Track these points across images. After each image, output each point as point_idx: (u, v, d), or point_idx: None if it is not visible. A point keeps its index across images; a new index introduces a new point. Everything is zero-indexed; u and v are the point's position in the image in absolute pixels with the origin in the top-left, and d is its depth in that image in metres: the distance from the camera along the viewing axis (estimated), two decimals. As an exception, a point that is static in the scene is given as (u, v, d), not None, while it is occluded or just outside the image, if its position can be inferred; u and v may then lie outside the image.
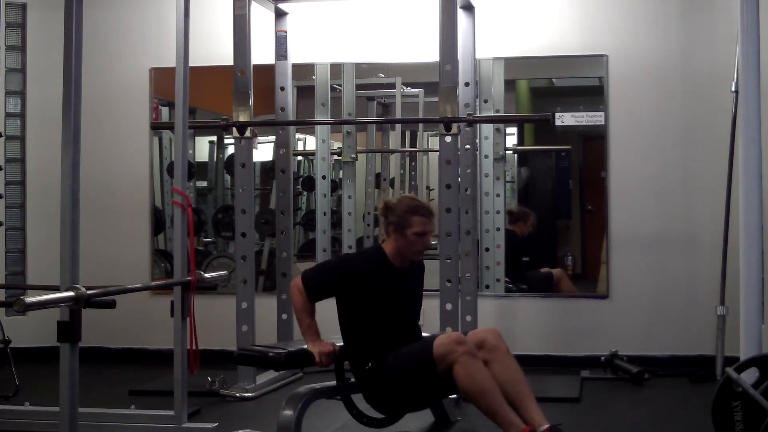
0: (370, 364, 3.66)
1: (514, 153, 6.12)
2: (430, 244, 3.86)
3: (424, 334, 3.87)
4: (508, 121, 6.08)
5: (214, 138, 6.66)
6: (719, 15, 5.45)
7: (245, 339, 4.83)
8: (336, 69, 6.04)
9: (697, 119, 5.53)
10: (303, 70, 5.93)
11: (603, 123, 5.65)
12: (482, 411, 3.49)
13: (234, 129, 4.94)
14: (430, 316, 4.10)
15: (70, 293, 2.87)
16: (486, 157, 5.84)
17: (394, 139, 6.47)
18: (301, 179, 6.38)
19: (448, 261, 4.54)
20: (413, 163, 6.55)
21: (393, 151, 6.47)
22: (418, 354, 3.56)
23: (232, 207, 5.32)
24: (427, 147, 6.50)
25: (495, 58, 5.78)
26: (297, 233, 6.23)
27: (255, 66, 5.05)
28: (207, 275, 3.98)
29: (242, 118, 4.95)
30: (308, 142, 6.50)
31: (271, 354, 3.75)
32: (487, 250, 5.80)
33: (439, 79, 4.57)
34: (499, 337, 3.63)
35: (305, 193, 6.44)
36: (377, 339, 3.70)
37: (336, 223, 6.14)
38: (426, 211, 3.78)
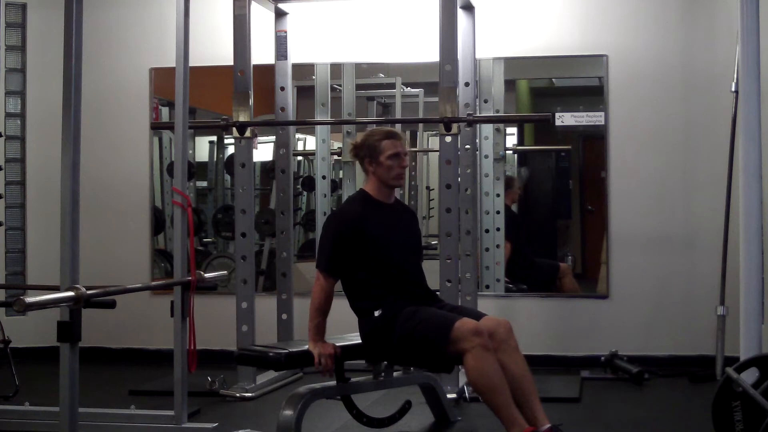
0: (380, 311, 3.68)
1: (514, 153, 6.12)
2: (407, 165, 3.89)
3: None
4: (508, 121, 6.08)
5: (214, 138, 6.66)
6: (719, 15, 5.45)
7: (245, 339, 4.83)
8: (336, 69, 6.04)
9: (697, 119, 5.52)
10: (303, 70, 5.93)
11: (603, 123, 5.65)
12: (487, 405, 3.49)
13: (234, 129, 4.94)
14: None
15: (70, 293, 2.87)
16: (486, 157, 5.84)
17: (394, 139, 6.46)
18: (301, 179, 6.38)
19: (448, 261, 4.54)
20: (413, 163, 6.54)
21: (393, 151, 6.46)
22: (436, 328, 3.56)
23: (232, 207, 5.33)
24: (427, 147, 6.50)
25: (495, 58, 5.78)
26: (297, 233, 6.22)
27: (255, 66, 5.05)
28: (207, 275, 3.98)
29: (242, 118, 4.95)
30: (308, 142, 6.50)
31: (271, 354, 3.75)
32: (487, 250, 5.80)
33: (439, 79, 4.57)
34: (509, 331, 3.63)
35: (305, 193, 6.44)
36: (385, 283, 3.73)
37: (336, 223, 6.13)
38: (393, 134, 3.85)
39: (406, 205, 4.07)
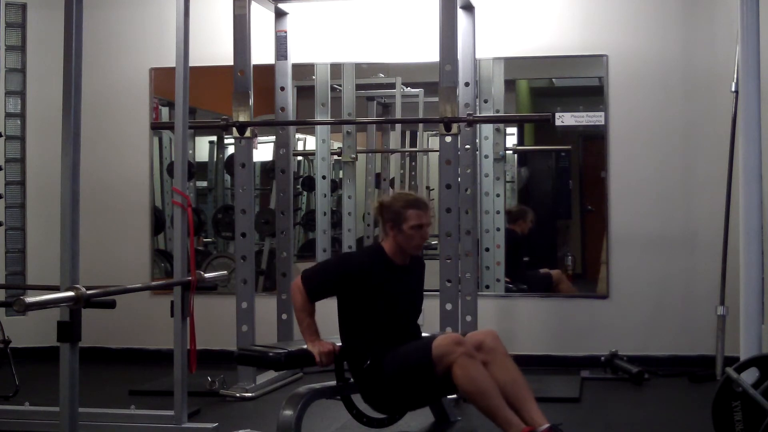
0: (368, 362, 3.66)
1: (514, 153, 6.12)
2: (428, 236, 3.88)
3: (424, 334, 3.88)
4: (508, 121, 6.08)
5: (214, 138, 6.66)
6: (719, 15, 5.46)
7: (245, 339, 4.83)
8: (336, 69, 6.04)
9: (697, 119, 5.53)
10: (303, 70, 5.93)
11: (603, 123, 5.65)
12: (482, 411, 3.49)
13: (234, 129, 4.94)
14: (430, 316, 4.11)
15: (70, 293, 2.87)
16: (486, 157, 5.84)
17: (394, 139, 6.47)
18: (301, 179, 6.38)
19: (448, 261, 4.54)
20: (413, 163, 6.55)
21: (393, 151, 6.47)
22: (416, 354, 3.57)
23: (232, 207, 5.33)
24: (427, 147, 6.50)
25: (495, 58, 5.78)
26: (297, 233, 6.23)
27: (255, 66, 5.05)
28: (207, 275, 3.97)
29: (242, 118, 4.95)
30: (308, 142, 6.50)
31: (271, 354, 3.75)
32: (487, 250, 5.80)
33: (439, 79, 4.57)
34: (496, 339, 3.64)
35: (305, 193, 6.44)
36: (376, 337, 3.71)
37: (336, 223, 6.14)
38: (421, 204, 3.81)
39: (421, 259, 4.03)
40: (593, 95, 5.75)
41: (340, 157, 6.15)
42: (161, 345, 5.43)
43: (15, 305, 2.73)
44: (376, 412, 3.81)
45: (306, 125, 6.34)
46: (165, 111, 6.19)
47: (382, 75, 6.24)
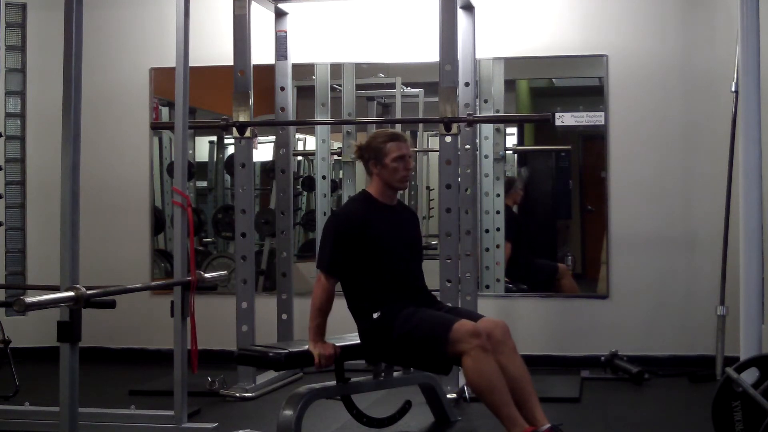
0: (379, 313, 3.69)
1: (514, 153, 6.12)
2: (412, 167, 3.92)
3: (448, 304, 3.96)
4: (508, 121, 6.08)
5: (214, 138, 6.66)
6: (719, 15, 5.45)
7: (245, 339, 4.83)
8: (336, 69, 6.04)
9: (697, 119, 5.53)
10: (303, 70, 5.93)
11: (603, 123, 5.65)
12: (487, 406, 3.49)
13: (234, 129, 4.94)
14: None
15: (70, 293, 2.87)
16: (486, 157, 5.84)
17: (394, 139, 6.46)
18: (301, 179, 6.38)
19: (448, 261, 4.54)
20: (413, 163, 6.55)
21: (393, 151, 6.46)
22: (434, 328, 3.57)
23: (232, 207, 5.33)
24: (427, 147, 6.50)
25: (495, 58, 5.78)
26: (297, 233, 6.22)
27: (255, 66, 5.05)
28: (207, 275, 3.98)
29: (242, 118, 4.95)
30: (308, 142, 6.50)
31: (271, 354, 3.75)
32: (487, 250, 5.81)
33: (439, 79, 4.57)
34: (507, 333, 3.64)
35: (305, 193, 6.44)
36: (384, 285, 3.74)
37: (336, 223, 6.13)
38: (399, 136, 3.88)
39: (408, 206, 4.08)
40: (593, 95, 5.75)
41: (340, 157, 6.15)
42: (161, 345, 5.43)
43: (15, 305, 2.74)
44: (370, 363, 3.85)
45: (306, 125, 6.34)
46: (165, 111, 6.19)
47: (382, 75, 6.24)
